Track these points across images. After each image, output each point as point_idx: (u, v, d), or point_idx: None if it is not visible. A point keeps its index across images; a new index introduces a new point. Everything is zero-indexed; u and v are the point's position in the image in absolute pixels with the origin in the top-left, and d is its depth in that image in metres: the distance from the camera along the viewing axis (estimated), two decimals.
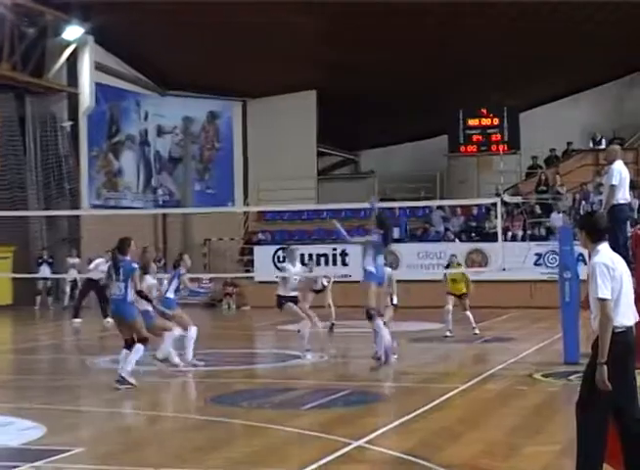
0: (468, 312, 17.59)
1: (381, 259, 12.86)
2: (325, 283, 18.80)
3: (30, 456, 7.63)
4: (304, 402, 10.24)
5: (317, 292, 18.53)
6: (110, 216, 26.07)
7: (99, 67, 29.90)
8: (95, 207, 30.06)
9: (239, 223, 32.16)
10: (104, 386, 11.73)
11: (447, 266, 18.18)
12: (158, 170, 33.68)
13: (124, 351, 11.48)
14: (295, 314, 14.68)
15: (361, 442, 8.08)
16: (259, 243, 30.26)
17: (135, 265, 11.68)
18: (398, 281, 14.82)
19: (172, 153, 34.12)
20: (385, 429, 8.70)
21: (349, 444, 7.99)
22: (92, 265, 22.38)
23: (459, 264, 18.43)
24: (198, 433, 8.84)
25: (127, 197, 32.10)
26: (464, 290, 17.66)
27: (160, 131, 33.74)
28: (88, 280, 22.56)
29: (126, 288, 11.46)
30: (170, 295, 13.67)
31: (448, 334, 17.39)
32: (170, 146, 34.08)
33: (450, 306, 17.56)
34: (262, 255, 28.68)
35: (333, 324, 18.54)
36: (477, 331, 17.51)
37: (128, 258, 11.69)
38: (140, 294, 11.66)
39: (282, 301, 14.61)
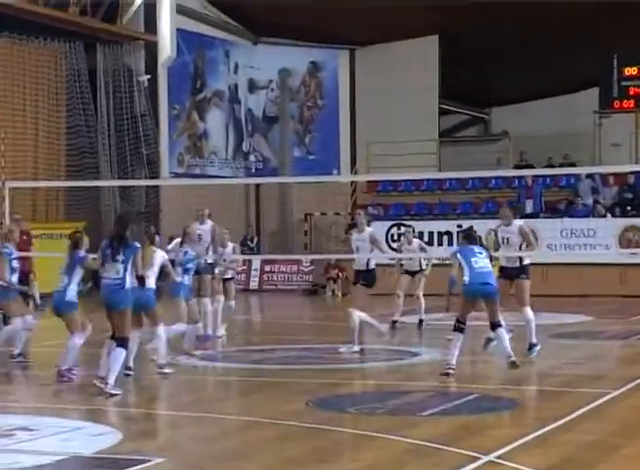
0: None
1: None
2: (424, 265, 18.62)
3: (106, 466, 7.77)
4: (423, 408, 10.20)
5: (412, 274, 18.39)
6: (194, 187, 26.37)
7: (181, 10, 30.18)
8: (177, 175, 30.48)
9: (346, 195, 32.20)
10: (187, 385, 11.88)
11: None
12: (250, 133, 33.95)
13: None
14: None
15: (492, 456, 8.00)
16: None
17: (137, 244, 11.69)
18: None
19: (267, 112, 34.34)
20: (521, 441, 8.59)
21: (478, 458, 7.92)
22: (172, 244, 22.66)
23: None
24: (297, 442, 8.86)
25: (215, 164, 32.47)
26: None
27: (253, 86, 33.98)
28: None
29: (125, 271, 11.46)
30: (178, 278, 13.84)
31: None
32: (265, 103, 34.31)
33: None
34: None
35: (421, 320, 18.51)
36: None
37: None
38: (140, 280, 11.70)
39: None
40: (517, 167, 29.95)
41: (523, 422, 9.75)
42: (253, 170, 33.65)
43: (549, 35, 30.17)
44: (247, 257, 28.02)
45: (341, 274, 28.94)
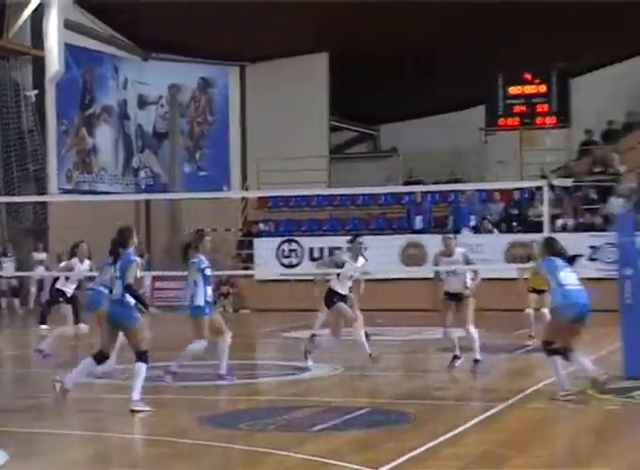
0: (546, 310, 17.38)
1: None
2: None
3: None
4: (315, 423, 10.20)
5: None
6: (82, 203, 26.04)
7: (69, 25, 29.84)
8: (65, 191, 30.07)
9: (236, 211, 32.13)
10: (75, 405, 11.69)
11: (528, 259, 17.92)
12: (139, 148, 33.69)
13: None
14: (343, 316, 14.83)
15: None
16: (260, 235, 30.24)
17: (134, 258, 11.53)
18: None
19: (157, 127, 34.12)
20: (411, 455, 8.64)
21: None
22: (63, 264, 22.42)
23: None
24: (188, 460, 8.79)
25: (104, 180, 32.12)
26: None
27: (143, 102, 33.75)
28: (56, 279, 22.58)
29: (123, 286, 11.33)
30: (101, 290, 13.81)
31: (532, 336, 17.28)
32: (155, 119, 34.09)
33: (532, 309, 17.48)
34: (264, 249, 28.68)
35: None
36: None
37: (131, 250, 11.55)
38: (129, 289, 11.36)
39: (334, 298, 14.88)
40: (406, 184, 30.24)
41: (413, 435, 9.80)
42: (143, 186, 33.39)
43: (437, 54, 30.60)
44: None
45: (232, 290, 28.85)
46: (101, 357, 11.43)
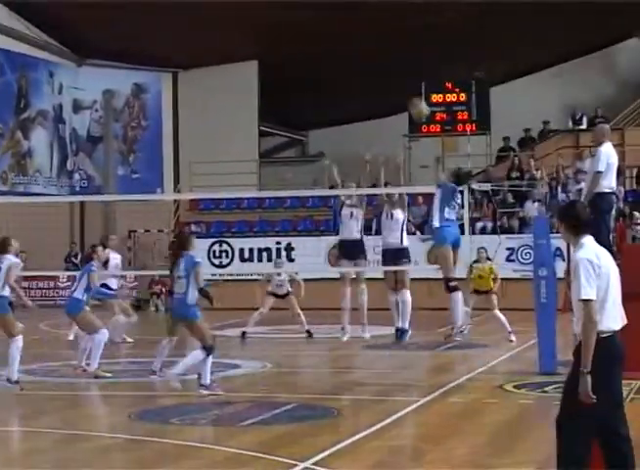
0: (497, 312, 17.57)
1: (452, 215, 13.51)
2: (289, 288, 18.93)
3: None
4: (243, 419, 10.22)
5: (280, 297, 18.71)
6: (18, 205, 25.72)
7: (4, 30, 29.52)
8: (0, 193, 29.69)
9: (169, 213, 31.97)
10: (10, 401, 11.59)
11: (476, 261, 18.17)
12: (74, 152, 33.37)
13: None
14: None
15: (308, 463, 8.08)
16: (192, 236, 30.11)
17: (199, 260, 12.60)
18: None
19: (91, 131, 33.82)
20: (335, 448, 8.70)
21: (295, 465, 7.99)
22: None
23: (489, 259, 18.46)
24: (121, 454, 8.77)
25: (39, 182, 31.77)
26: (491, 286, 17.69)
27: (77, 107, 33.43)
28: None
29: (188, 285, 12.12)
30: (78, 295, 13.66)
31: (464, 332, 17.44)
32: (89, 123, 33.79)
33: (470, 308, 17.67)
34: (196, 249, 28.51)
35: (244, 332, 18.78)
36: (513, 338, 17.13)
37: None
38: (202, 291, 12.24)
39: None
40: (332, 187, 30.28)
41: (337, 430, 9.88)
42: (78, 188, 33.07)
43: (362, 62, 30.72)
44: (70, 273, 27.54)
45: (164, 289, 28.70)
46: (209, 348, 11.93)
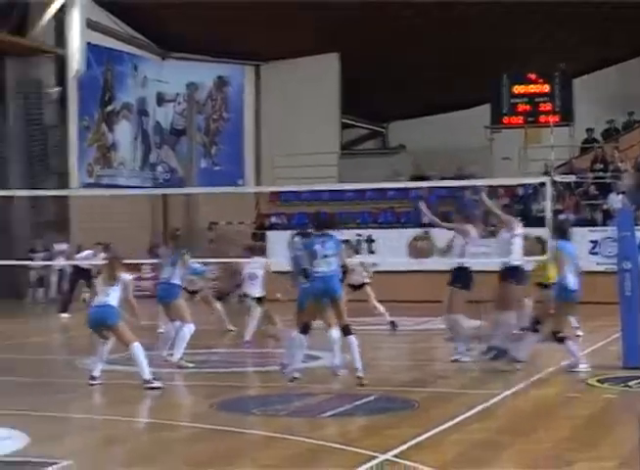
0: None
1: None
2: (367, 279, 18.68)
3: None
4: (324, 410, 10.22)
5: (355, 288, 18.48)
6: (102, 197, 26.09)
7: (91, 24, 29.90)
8: (86, 186, 30.13)
9: (250, 205, 32.15)
10: (93, 389, 11.75)
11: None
12: (158, 144, 33.72)
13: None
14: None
15: (389, 455, 8.06)
16: (273, 227, 30.22)
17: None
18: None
19: (175, 124, 34.14)
20: (416, 440, 8.67)
21: (376, 457, 7.97)
22: (83, 254, 23.07)
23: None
24: (202, 444, 8.82)
25: (123, 174, 32.16)
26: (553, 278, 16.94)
27: (161, 99, 33.76)
28: (76, 269, 23.03)
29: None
30: (175, 280, 13.76)
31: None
32: (172, 116, 34.11)
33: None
34: (276, 241, 28.60)
35: (393, 322, 18.50)
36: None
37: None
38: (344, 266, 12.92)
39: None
40: (412, 179, 30.19)
41: (417, 422, 9.82)
42: (161, 181, 33.42)
43: (443, 53, 30.54)
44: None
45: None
46: (305, 328, 12.13)
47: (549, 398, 11.09)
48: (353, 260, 18.49)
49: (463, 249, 14.14)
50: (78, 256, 23.51)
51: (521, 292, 14.15)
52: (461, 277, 13.92)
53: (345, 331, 12.01)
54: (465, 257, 14.10)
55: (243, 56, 33.73)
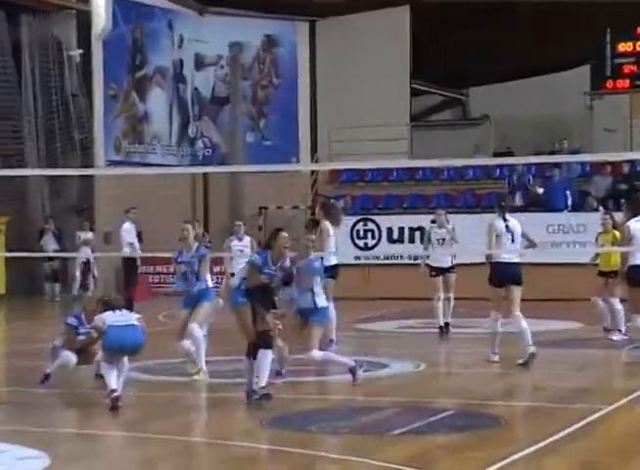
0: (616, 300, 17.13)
1: None
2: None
3: None
4: (393, 427, 10.22)
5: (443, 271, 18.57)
6: (133, 177, 26.27)
7: None
8: (113, 163, 30.37)
9: (305, 186, 32.23)
10: (127, 401, 11.84)
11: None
12: (197, 116, 33.88)
13: None
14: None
15: None
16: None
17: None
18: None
19: (216, 92, 34.29)
20: (502, 463, 8.64)
21: None
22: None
23: (614, 227, 17.75)
24: (252, 466, 8.87)
25: (157, 151, 32.38)
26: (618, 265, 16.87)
27: (201, 63, 33.92)
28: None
29: None
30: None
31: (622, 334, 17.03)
32: (214, 82, 34.26)
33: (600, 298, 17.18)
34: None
35: (447, 324, 18.43)
36: (614, 337, 16.91)
37: None
38: None
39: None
40: (496, 155, 30.04)
41: (505, 442, 9.81)
42: (201, 158, 33.59)
43: (534, 6, 30.34)
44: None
45: None
46: None
47: None
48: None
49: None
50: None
51: None
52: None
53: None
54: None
55: (295, 10, 33.75)
